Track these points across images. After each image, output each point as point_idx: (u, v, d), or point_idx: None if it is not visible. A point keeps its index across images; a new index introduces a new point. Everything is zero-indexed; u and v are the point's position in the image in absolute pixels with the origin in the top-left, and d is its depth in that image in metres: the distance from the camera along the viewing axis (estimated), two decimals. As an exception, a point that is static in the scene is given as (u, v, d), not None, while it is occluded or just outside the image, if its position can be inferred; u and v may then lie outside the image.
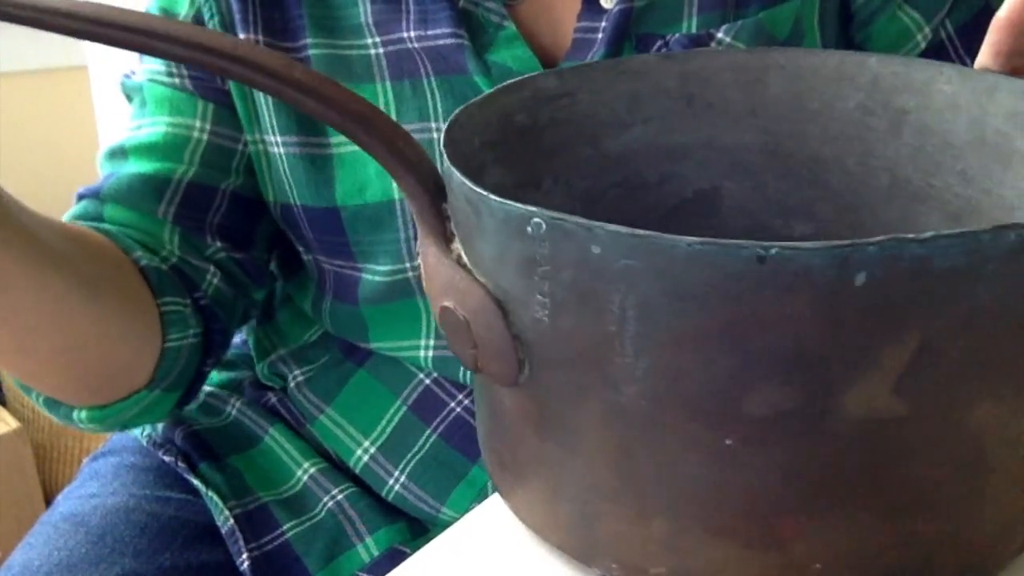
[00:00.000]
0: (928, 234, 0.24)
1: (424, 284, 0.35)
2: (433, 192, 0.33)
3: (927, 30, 0.57)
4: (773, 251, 0.24)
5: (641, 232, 0.25)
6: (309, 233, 0.54)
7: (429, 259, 0.33)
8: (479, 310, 0.30)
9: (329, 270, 0.56)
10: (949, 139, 0.41)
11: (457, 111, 0.37)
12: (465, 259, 0.31)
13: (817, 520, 0.27)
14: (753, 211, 0.48)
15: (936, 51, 0.58)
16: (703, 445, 0.27)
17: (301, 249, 0.57)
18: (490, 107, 0.39)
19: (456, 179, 0.30)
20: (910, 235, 0.23)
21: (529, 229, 0.27)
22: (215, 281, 0.54)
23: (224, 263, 0.56)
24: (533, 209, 0.27)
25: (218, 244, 0.55)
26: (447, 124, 0.35)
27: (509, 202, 0.27)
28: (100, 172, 0.56)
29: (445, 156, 0.32)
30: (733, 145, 0.47)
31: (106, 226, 0.51)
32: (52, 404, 0.50)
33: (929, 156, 0.42)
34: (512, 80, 0.41)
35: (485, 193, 0.28)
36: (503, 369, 0.30)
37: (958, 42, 0.58)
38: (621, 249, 0.25)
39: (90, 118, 1.26)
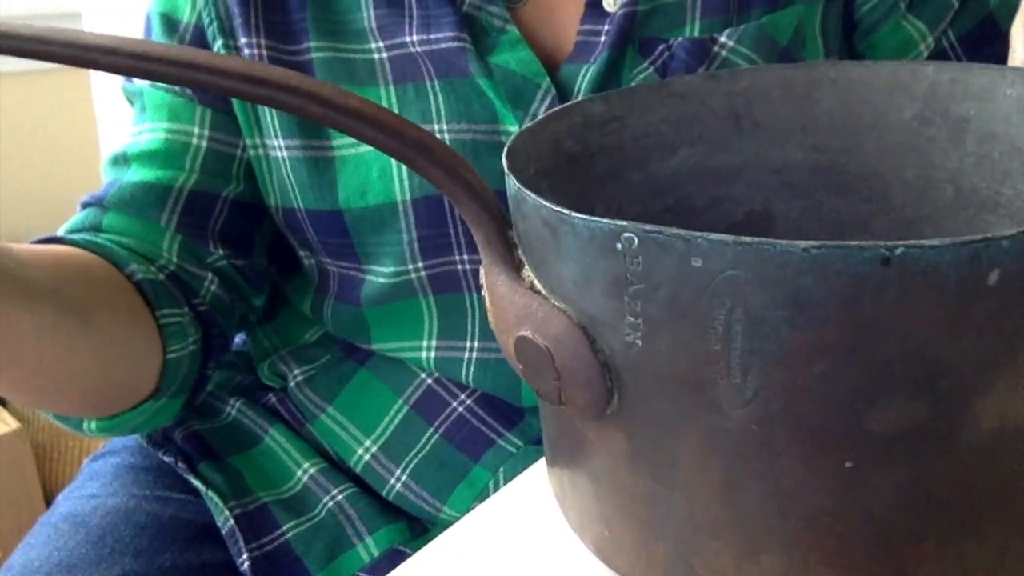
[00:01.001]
0: (1064, 224, 0.22)
1: (491, 317, 0.33)
2: (499, 219, 0.31)
3: (930, 39, 0.57)
4: (899, 251, 0.22)
5: (748, 239, 0.23)
6: (313, 236, 0.54)
7: (499, 289, 0.31)
8: (562, 337, 0.28)
9: (334, 272, 0.56)
10: (1018, 144, 0.40)
11: (513, 137, 0.35)
12: (538, 286, 0.30)
13: (948, 545, 0.25)
14: (807, 231, 0.46)
15: (938, 60, 0.58)
16: (821, 470, 0.25)
17: (303, 253, 0.57)
18: (542, 134, 0.38)
19: (531, 201, 0.28)
20: (1046, 226, 0.22)
21: (619, 246, 0.25)
22: (213, 288, 0.55)
23: (224, 270, 0.56)
24: (624, 224, 0.25)
25: (219, 251, 0.55)
26: (507, 150, 0.33)
27: (596, 218, 0.26)
28: (104, 178, 0.56)
29: (513, 180, 0.30)
30: (783, 164, 0.46)
31: (101, 238, 0.52)
32: (60, 418, 0.51)
33: (996, 163, 0.41)
34: (561, 106, 0.40)
35: (568, 212, 0.27)
36: (590, 400, 0.28)
37: (960, 51, 0.58)
38: (725, 259, 0.23)
39: (90, 118, 1.26)
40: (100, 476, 0.57)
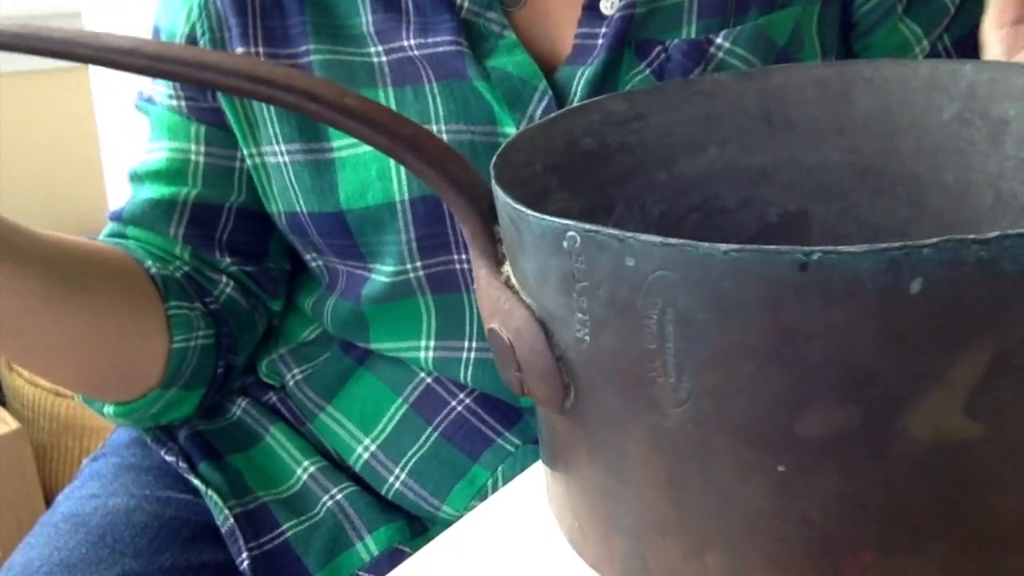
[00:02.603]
0: (993, 234, 0.21)
1: (478, 305, 0.34)
2: (485, 214, 0.32)
3: (925, 43, 0.56)
4: (815, 256, 0.22)
5: (674, 241, 0.23)
6: (318, 238, 0.55)
7: (481, 281, 0.32)
8: (522, 331, 0.29)
9: (342, 271, 0.57)
10: (1056, 147, 0.38)
11: (516, 134, 0.36)
12: (513, 280, 0.31)
13: (887, 556, 0.25)
14: (843, 235, 0.45)
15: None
16: (755, 471, 0.25)
17: (310, 256, 0.58)
18: (553, 130, 0.39)
19: (500, 198, 0.29)
20: (971, 236, 0.21)
21: (565, 244, 0.26)
22: (227, 290, 0.58)
23: (237, 276, 0.59)
24: (568, 223, 0.26)
25: (228, 259, 0.58)
26: (503, 146, 0.34)
27: (546, 217, 0.27)
28: (128, 190, 0.60)
29: (492, 175, 0.31)
30: (818, 165, 0.45)
31: (128, 242, 0.56)
32: (89, 400, 0.55)
33: (1035, 167, 0.39)
34: (579, 104, 0.40)
35: (523, 209, 0.27)
36: (549, 393, 0.29)
37: (955, 56, 0.56)
38: (655, 260, 0.24)
39: (90, 118, 1.27)
40: (100, 476, 0.58)
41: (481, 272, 0.32)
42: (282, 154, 0.54)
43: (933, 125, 0.42)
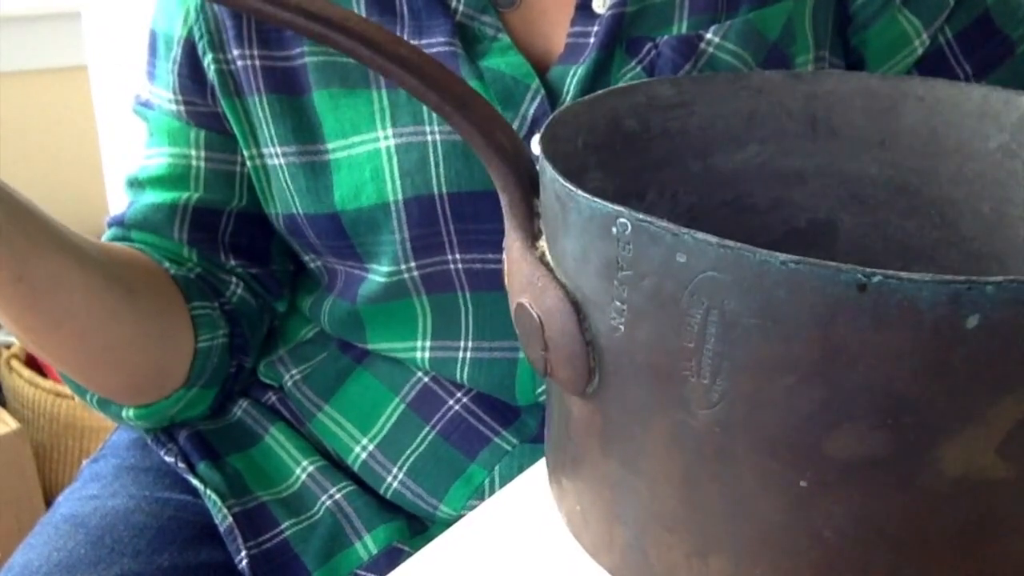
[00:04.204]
0: (1059, 280, 0.21)
1: (506, 279, 0.34)
2: (526, 186, 0.32)
3: (925, 36, 0.55)
4: (876, 279, 0.21)
5: (731, 243, 0.23)
6: (315, 239, 0.55)
7: (513, 253, 0.31)
8: (554, 311, 0.28)
9: (340, 271, 0.57)
10: (1100, 191, 0.37)
11: (561, 108, 0.35)
12: (549, 257, 0.30)
13: (895, 584, 0.25)
14: (870, 248, 0.45)
15: (934, 58, 0.56)
16: (775, 483, 0.25)
17: (308, 256, 0.58)
18: (599, 108, 0.38)
19: (548, 173, 0.29)
20: (1037, 279, 0.21)
21: (614, 229, 0.26)
22: (239, 291, 0.58)
23: (244, 277, 0.59)
24: (620, 209, 0.25)
25: (234, 261, 0.58)
26: (552, 119, 0.34)
27: (597, 199, 0.26)
28: (125, 197, 0.60)
29: (541, 150, 0.30)
30: (855, 175, 0.44)
31: (136, 245, 0.56)
32: (104, 403, 0.55)
33: (1075, 209, 0.39)
34: (625, 84, 0.40)
35: (574, 188, 0.27)
36: (572, 376, 0.28)
37: (957, 49, 0.55)
38: (708, 259, 0.23)
39: (90, 118, 1.26)
40: (100, 477, 0.58)
41: (515, 245, 0.31)
42: (279, 156, 0.53)
43: (977, 152, 0.41)
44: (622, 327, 0.26)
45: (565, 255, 0.29)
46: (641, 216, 0.25)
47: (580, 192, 0.27)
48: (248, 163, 0.56)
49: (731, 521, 0.26)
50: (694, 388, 0.25)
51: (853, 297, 0.22)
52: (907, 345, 0.22)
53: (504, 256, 0.34)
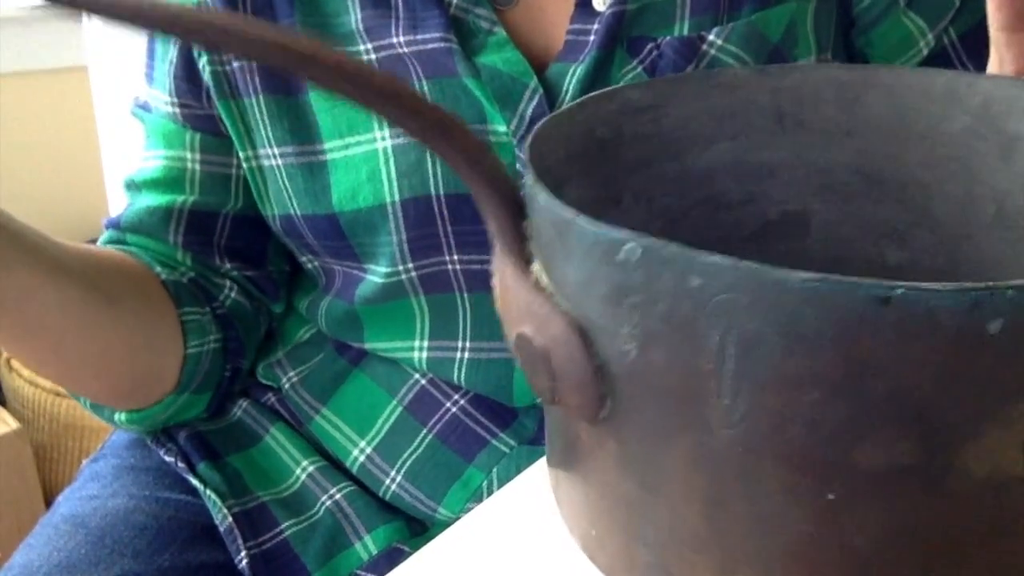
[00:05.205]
0: (1077, 281, 0.21)
1: (498, 306, 0.33)
2: (513, 209, 0.31)
3: (930, 37, 0.56)
4: (898, 291, 0.21)
5: (746, 264, 0.23)
6: (313, 240, 0.55)
7: (506, 280, 0.31)
8: (559, 339, 0.28)
9: (338, 271, 0.56)
10: (1069, 168, 0.38)
11: (541, 123, 0.35)
12: (545, 282, 0.30)
13: (927, 587, 0.25)
14: (843, 236, 0.45)
15: (938, 59, 0.57)
16: (803, 498, 0.25)
17: (306, 257, 0.58)
18: (576, 117, 0.38)
19: (542, 198, 0.28)
20: (1056, 281, 0.21)
21: (621, 255, 0.25)
22: (232, 295, 0.58)
23: (239, 280, 0.58)
24: (628, 234, 0.25)
25: (229, 264, 0.58)
26: (531, 137, 0.33)
27: (601, 225, 0.26)
28: (124, 198, 0.59)
29: (531, 173, 0.30)
30: (825, 166, 0.44)
31: (133, 249, 0.56)
32: (96, 407, 0.55)
33: (1044, 186, 0.39)
34: (599, 91, 0.39)
35: (574, 215, 0.26)
36: (583, 403, 0.28)
37: (961, 50, 0.56)
38: (723, 282, 0.23)
39: (90, 118, 1.25)
40: (100, 477, 0.58)
41: (507, 271, 0.31)
42: (276, 157, 0.53)
43: (945, 135, 0.42)
44: (634, 351, 0.26)
45: (566, 281, 0.28)
46: (650, 240, 0.24)
47: (581, 218, 0.26)
48: (244, 165, 0.55)
49: (758, 538, 0.26)
50: (714, 408, 0.25)
51: (876, 311, 0.22)
52: (931, 353, 0.22)
53: (495, 281, 0.33)
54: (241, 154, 0.54)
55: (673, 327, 0.25)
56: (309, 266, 0.58)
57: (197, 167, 0.55)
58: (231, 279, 0.58)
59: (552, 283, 0.29)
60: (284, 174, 0.53)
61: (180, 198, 0.55)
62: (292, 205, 0.53)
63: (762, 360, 0.23)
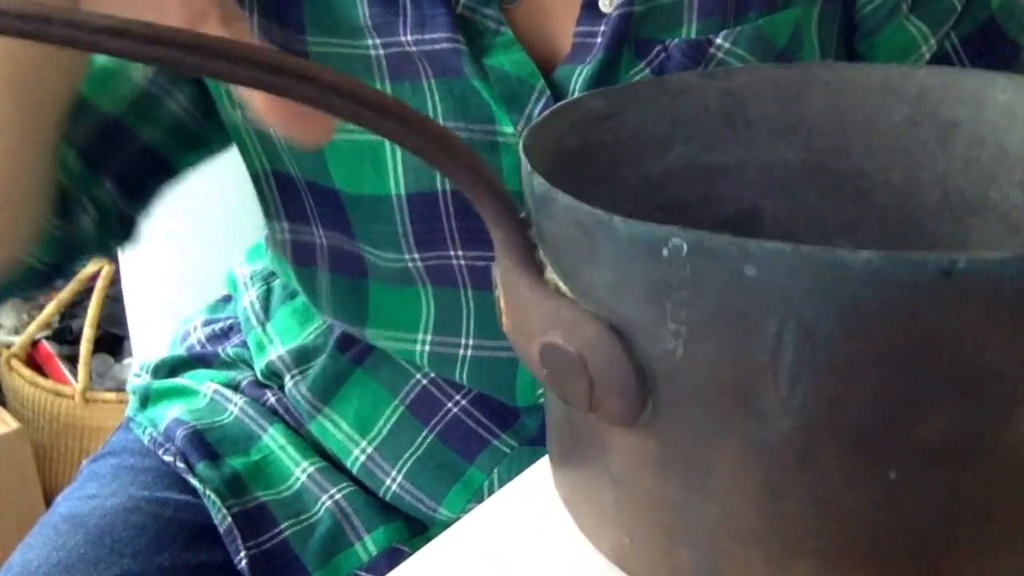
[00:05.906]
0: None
1: (506, 320, 0.32)
2: (517, 219, 0.30)
3: (932, 41, 0.57)
4: (960, 264, 0.22)
5: (807, 248, 0.23)
6: (309, 200, 0.53)
7: (521, 291, 0.30)
8: (596, 343, 0.27)
9: (325, 245, 0.54)
10: (1006, 148, 0.40)
11: (525, 133, 0.34)
12: (564, 289, 0.29)
13: (983, 554, 0.26)
14: (794, 230, 0.47)
15: (941, 63, 0.58)
16: (863, 478, 0.25)
17: (284, 225, 0.55)
18: (547, 128, 0.37)
19: (563, 202, 0.28)
20: (1101, 240, 0.22)
21: (665, 252, 0.25)
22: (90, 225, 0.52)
23: (106, 206, 0.53)
24: (672, 229, 0.25)
25: (108, 185, 0.53)
26: (524, 147, 0.33)
27: (640, 223, 0.25)
28: None
29: (540, 179, 0.29)
30: (773, 163, 0.46)
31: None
32: None
33: (983, 167, 0.42)
34: (563, 102, 0.39)
35: (607, 215, 0.26)
36: (623, 407, 0.27)
37: (963, 54, 0.58)
38: (781, 269, 0.23)
39: None
40: (99, 477, 0.57)
41: (521, 281, 0.30)
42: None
43: (884, 126, 0.44)
44: (680, 349, 0.26)
45: (595, 284, 0.27)
46: (697, 233, 0.24)
47: (617, 218, 0.26)
48: (224, 116, 0.53)
49: (815, 523, 0.26)
50: (770, 400, 0.25)
51: (939, 284, 0.22)
52: (990, 321, 0.23)
53: (500, 300, 0.32)
54: (224, 114, 0.52)
55: (724, 321, 0.25)
56: (279, 236, 0.55)
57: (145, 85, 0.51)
58: (97, 203, 0.52)
59: (574, 288, 0.28)
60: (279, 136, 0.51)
61: (117, 107, 0.51)
62: (292, 166, 0.51)
63: (822, 345, 0.24)
